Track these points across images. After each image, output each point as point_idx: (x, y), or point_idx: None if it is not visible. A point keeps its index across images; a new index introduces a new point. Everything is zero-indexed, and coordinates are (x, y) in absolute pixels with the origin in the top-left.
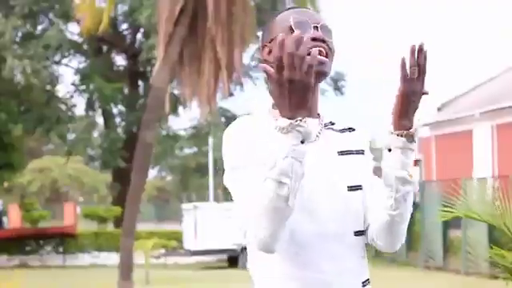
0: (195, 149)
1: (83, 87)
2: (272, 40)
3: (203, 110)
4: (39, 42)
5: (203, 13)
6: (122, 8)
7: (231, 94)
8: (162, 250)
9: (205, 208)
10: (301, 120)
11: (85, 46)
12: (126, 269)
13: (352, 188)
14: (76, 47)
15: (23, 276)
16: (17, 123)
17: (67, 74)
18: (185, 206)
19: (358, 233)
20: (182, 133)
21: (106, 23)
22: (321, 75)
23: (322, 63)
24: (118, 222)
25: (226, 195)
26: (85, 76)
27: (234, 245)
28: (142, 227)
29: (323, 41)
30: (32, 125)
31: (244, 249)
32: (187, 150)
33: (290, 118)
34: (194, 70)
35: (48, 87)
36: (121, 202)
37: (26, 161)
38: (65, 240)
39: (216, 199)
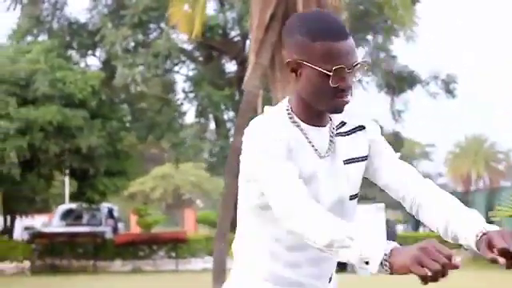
0: None
1: (193, 94)
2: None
3: None
4: (149, 50)
5: None
6: (231, 15)
7: None
8: None
9: None
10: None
11: (195, 54)
12: (219, 272)
13: (352, 197)
14: (186, 55)
15: (137, 280)
16: (129, 131)
17: (178, 81)
18: None
19: None
20: None
21: (199, 29)
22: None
23: (338, 112)
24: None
25: None
26: (195, 83)
27: None
28: None
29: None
30: (144, 132)
31: None
32: None
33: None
34: (285, 75)
35: (160, 95)
36: None
37: (140, 168)
38: (177, 245)
39: None
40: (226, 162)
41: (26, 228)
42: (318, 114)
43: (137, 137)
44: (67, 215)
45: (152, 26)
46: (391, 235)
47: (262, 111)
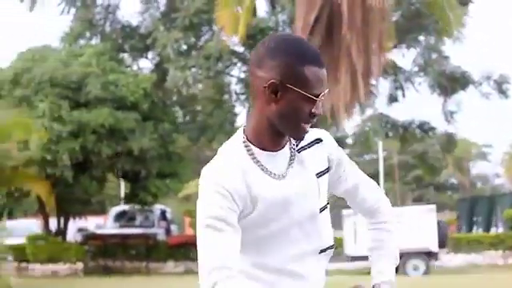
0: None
1: (244, 96)
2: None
3: (341, 117)
4: (200, 53)
5: (338, 21)
6: (282, 17)
7: (395, 100)
8: None
9: None
10: None
11: (247, 56)
12: None
13: (322, 209)
14: (237, 57)
15: (189, 281)
16: (181, 133)
17: (230, 83)
18: (345, 211)
19: (323, 250)
20: (349, 140)
21: (243, 31)
22: None
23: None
24: None
25: (394, 200)
26: (246, 85)
27: None
28: None
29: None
30: (196, 134)
31: (403, 255)
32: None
33: None
34: (330, 78)
35: (212, 96)
36: None
37: (195, 170)
38: None
39: None
40: None
41: (80, 230)
42: (279, 138)
43: (188, 139)
44: (120, 217)
45: (204, 28)
46: (442, 236)
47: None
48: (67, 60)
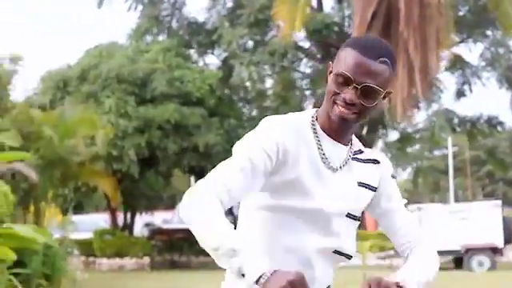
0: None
1: (310, 92)
2: (332, 72)
3: (398, 112)
4: (265, 48)
5: (396, 16)
6: (348, 12)
7: (463, 95)
8: (392, 252)
9: (429, 209)
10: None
11: (313, 51)
12: None
13: (352, 216)
14: (304, 52)
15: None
16: (247, 129)
17: (296, 79)
18: (410, 207)
19: (338, 252)
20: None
21: (299, 28)
22: (344, 125)
23: (337, 123)
24: None
25: (465, 196)
26: (312, 81)
27: (459, 246)
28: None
29: (354, 104)
30: None
31: (468, 250)
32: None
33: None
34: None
35: (279, 92)
36: None
37: None
38: None
39: (456, 199)
40: None
41: (146, 224)
42: (340, 130)
43: None
44: None
45: (270, 24)
46: (508, 232)
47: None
48: (134, 56)
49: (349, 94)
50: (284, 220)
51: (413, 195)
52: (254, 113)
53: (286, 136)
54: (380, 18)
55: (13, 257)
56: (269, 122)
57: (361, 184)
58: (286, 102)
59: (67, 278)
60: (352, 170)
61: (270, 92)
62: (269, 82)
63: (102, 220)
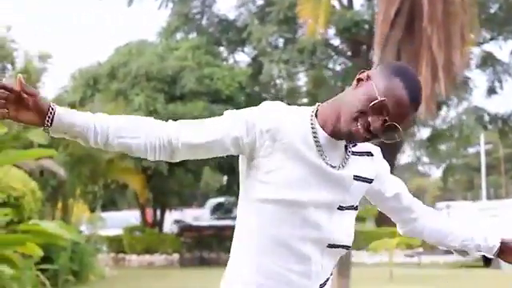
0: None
1: (339, 89)
2: (365, 83)
3: (421, 110)
4: (294, 46)
5: (419, 13)
6: (377, 9)
7: (494, 92)
8: (420, 249)
9: (458, 207)
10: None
11: (343, 48)
12: (344, 266)
13: (349, 207)
14: (334, 49)
15: None
16: None
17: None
18: (439, 205)
19: (332, 245)
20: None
21: (323, 26)
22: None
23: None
24: (378, 221)
25: (498, 194)
26: (342, 78)
27: None
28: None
29: (375, 135)
30: None
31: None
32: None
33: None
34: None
35: (310, 89)
36: None
37: None
38: None
39: (489, 197)
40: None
41: (176, 221)
42: (342, 138)
43: None
44: (217, 209)
45: (300, 21)
46: None
47: None
48: (163, 54)
49: (377, 124)
50: (276, 213)
51: (445, 193)
52: None
53: (279, 122)
54: (403, 15)
55: (40, 253)
56: (270, 104)
57: (356, 177)
58: (316, 99)
59: (95, 275)
60: (350, 164)
61: (302, 89)
62: (302, 80)
63: (133, 217)
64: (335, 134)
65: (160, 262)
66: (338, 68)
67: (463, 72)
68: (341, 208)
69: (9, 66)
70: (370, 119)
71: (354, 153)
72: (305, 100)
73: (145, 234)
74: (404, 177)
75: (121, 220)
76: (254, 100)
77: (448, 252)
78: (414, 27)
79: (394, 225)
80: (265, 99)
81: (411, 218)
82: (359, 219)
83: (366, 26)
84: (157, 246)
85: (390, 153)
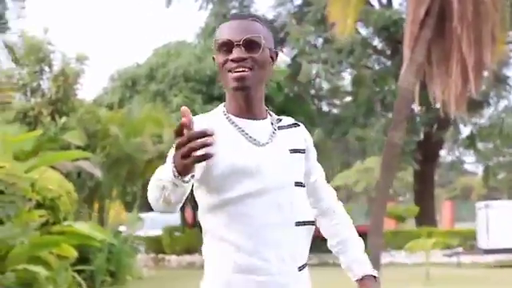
0: None
1: (378, 89)
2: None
3: (451, 110)
4: (332, 46)
5: (449, 13)
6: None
7: None
8: (460, 249)
9: (497, 206)
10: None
11: (382, 47)
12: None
13: (297, 184)
14: (372, 49)
15: (322, 274)
16: (315, 126)
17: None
18: (478, 204)
19: (300, 223)
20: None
21: (351, 28)
22: (246, 88)
23: (239, 88)
24: (418, 220)
25: None
26: (380, 77)
27: None
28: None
29: (243, 58)
30: (329, 127)
31: None
32: None
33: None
34: (442, 70)
35: (347, 89)
36: (420, 201)
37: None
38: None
39: None
40: (407, 157)
41: None
42: (248, 107)
43: (323, 131)
44: None
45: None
46: None
47: (419, 107)
48: (201, 55)
49: (235, 53)
50: (234, 211)
51: (491, 192)
52: (325, 108)
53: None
54: (433, 16)
55: (74, 254)
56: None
57: (292, 150)
58: (357, 98)
59: (133, 275)
60: (280, 139)
61: (344, 89)
62: (347, 79)
63: (172, 217)
64: (244, 109)
65: (200, 262)
66: (376, 67)
67: (495, 71)
68: (298, 185)
69: (46, 69)
70: (230, 58)
71: (283, 127)
72: (348, 98)
73: (184, 235)
74: (449, 175)
75: (161, 221)
76: (292, 100)
77: (488, 252)
78: (444, 27)
79: (434, 224)
80: (304, 99)
81: (319, 208)
82: (399, 218)
83: (404, 25)
84: (196, 247)
85: (433, 151)
